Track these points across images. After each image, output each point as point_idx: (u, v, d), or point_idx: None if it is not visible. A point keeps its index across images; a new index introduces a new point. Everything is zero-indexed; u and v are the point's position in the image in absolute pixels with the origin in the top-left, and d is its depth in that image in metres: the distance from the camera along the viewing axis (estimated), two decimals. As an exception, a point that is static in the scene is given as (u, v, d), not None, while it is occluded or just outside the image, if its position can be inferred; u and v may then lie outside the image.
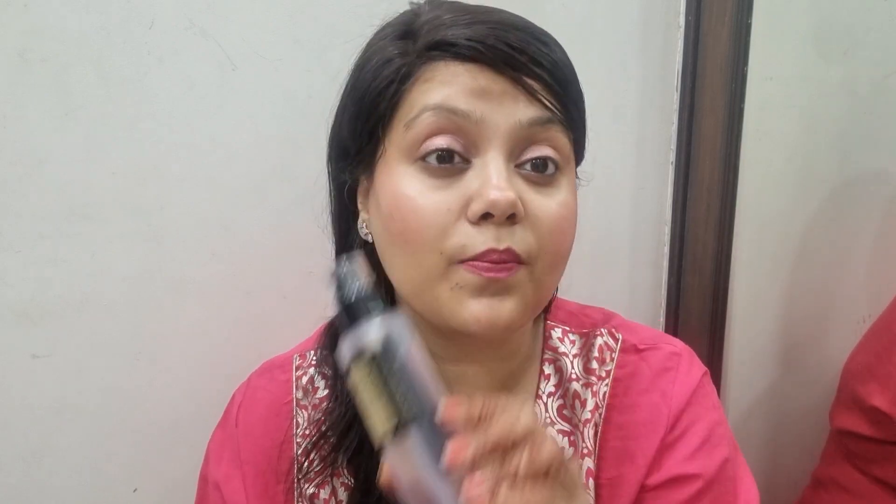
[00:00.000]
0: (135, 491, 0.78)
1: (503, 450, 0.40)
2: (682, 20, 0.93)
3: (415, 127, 0.50)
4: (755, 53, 0.93)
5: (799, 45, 1.00)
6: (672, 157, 0.97)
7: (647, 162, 0.97)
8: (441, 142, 0.50)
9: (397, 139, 0.52)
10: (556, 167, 0.52)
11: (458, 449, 0.39)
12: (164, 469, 0.79)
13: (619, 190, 0.97)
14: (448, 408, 0.41)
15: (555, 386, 0.61)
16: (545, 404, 0.61)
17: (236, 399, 0.65)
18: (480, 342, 0.56)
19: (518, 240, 0.50)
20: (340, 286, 0.44)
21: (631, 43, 0.92)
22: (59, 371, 0.73)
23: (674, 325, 1.02)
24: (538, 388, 0.61)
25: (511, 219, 0.49)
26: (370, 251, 0.57)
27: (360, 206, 0.58)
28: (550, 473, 0.40)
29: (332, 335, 0.63)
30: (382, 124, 0.52)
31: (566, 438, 0.60)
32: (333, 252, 0.63)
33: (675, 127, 0.96)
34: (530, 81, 0.50)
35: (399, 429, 0.41)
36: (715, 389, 0.65)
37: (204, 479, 0.65)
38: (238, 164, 0.76)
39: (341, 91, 0.57)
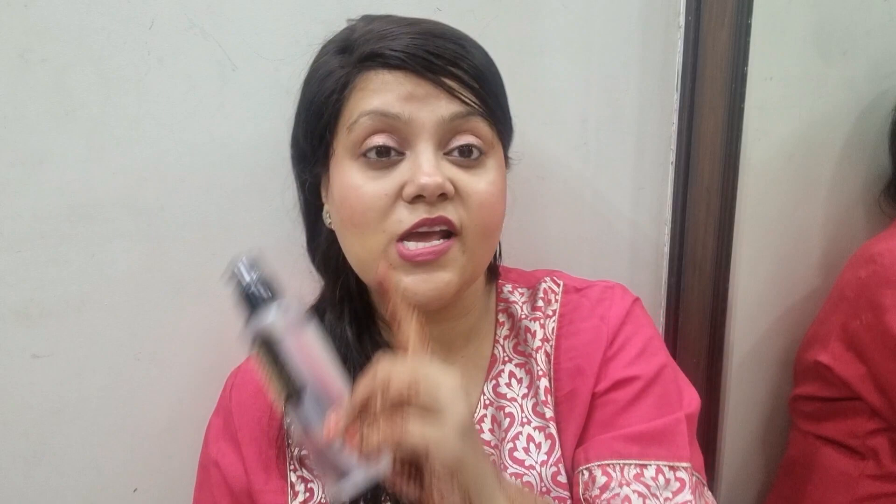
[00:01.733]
0: (135, 491, 0.78)
1: (369, 405, 0.49)
2: (682, 20, 0.93)
3: (355, 130, 0.59)
4: (755, 53, 0.93)
5: (799, 45, 1.00)
6: (672, 157, 0.97)
7: (647, 162, 0.97)
8: (378, 140, 0.59)
9: (342, 140, 0.61)
10: (481, 152, 0.61)
11: (332, 422, 0.49)
12: (164, 469, 0.79)
13: (619, 190, 0.97)
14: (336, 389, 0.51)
15: (509, 329, 0.72)
16: (503, 346, 0.71)
17: (229, 383, 0.72)
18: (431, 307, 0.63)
19: (450, 210, 0.59)
20: (237, 279, 0.52)
21: (631, 43, 0.92)
22: (59, 371, 0.73)
23: (674, 325, 1.02)
24: (495, 334, 0.72)
25: (442, 197, 0.58)
26: (335, 236, 0.65)
27: (323, 199, 0.67)
28: (406, 400, 0.48)
29: (313, 315, 0.70)
30: (329, 129, 0.61)
31: (522, 369, 0.70)
32: (304, 234, 0.72)
33: (675, 127, 0.96)
34: (449, 82, 0.59)
35: (289, 401, 0.50)
36: (647, 314, 0.73)
37: (203, 463, 0.70)
38: (238, 164, 0.76)
39: (296, 101, 0.66)
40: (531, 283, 0.75)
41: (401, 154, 0.60)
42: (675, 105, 0.96)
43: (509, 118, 0.67)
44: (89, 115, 0.69)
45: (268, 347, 0.50)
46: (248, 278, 0.53)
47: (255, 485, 0.65)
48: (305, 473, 0.65)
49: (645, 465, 0.62)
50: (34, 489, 0.74)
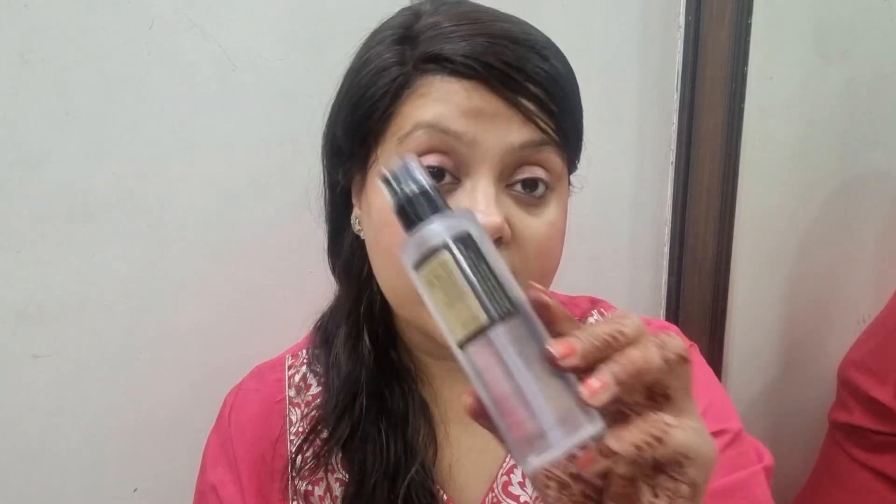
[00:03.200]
0: (135, 491, 0.78)
1: (613, 349, 0.34)
2: (682, 20, 0.93)
3: (407, 143, 0.50)
4: (755, 53, 0.93)
5: (799, 45, 1.00)
6: (672, 157, 0.97)
7: (647, 162, 0.97)
8: (432, 160, 0.49)
9: (389, 151, 0.52)
10: (547, 187, 0.52)
11: (568, 343, 0.34)
12: (164, 469, 0.79)
13: (619, 190, 0.97)
14: (551, 304, 0.37)
15: None
16: None
17: (228, 402, 0.66)
18: None
19: (506, 259, 0.50)
20: (398, 181, 0.39)
21: (631, 43, 0.92)
22: (60, 371, 0.73)
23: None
24: None
25: (497, 241, 0.49)
26: (362, 244, 0.57)
27: (354, 201, 0.58)
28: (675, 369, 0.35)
29: (323, 332, 0.64)
30: (375, 133, 0.52)
31: None
32: (326, 242, 0.63)
33: (675, 127, 0.96)
34: (526, 102, 0.50)
35: (486, 329, 0.35)
36: (705, 363, 0.66)
37: (201, 486, 0.65)
38: (238, 164, 0.76)
39: (338, 87, 0.57)
40: (576, 314, 0.66)
41: (456, 180, 0.50)
42: (675, 105, 0.96)
43: (582, 142, 0.58)
44: (89, 115, 0.69)
45: (470, 252, 0.36)
46: (415, 177, 0.40)
47: None
48: None
49: None
50: (35, 488, 0.74)
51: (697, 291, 1.01)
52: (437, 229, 0.37)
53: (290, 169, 0.77)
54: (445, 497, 0.60)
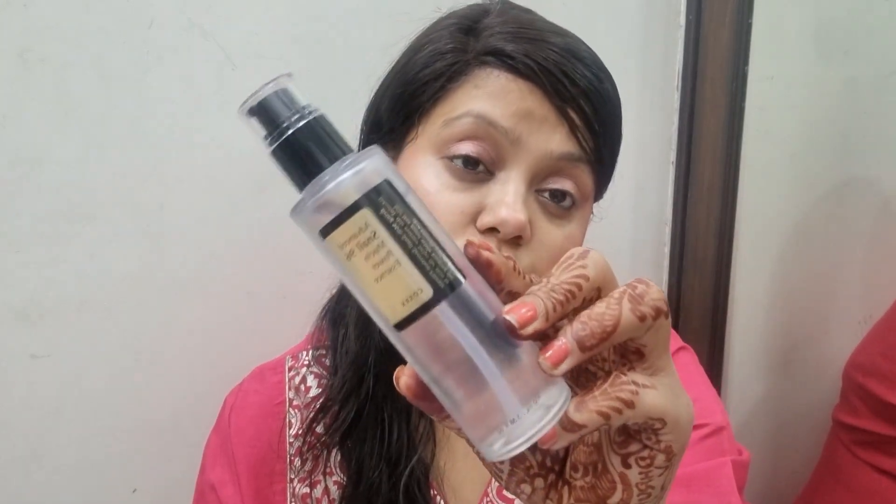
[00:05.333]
0: (134, 491, 0.78)
1: (578, 301, 0.30)
2: (682, 20, 0.93)
3: (453, 127, 0.51)
4: (755, 53, 0.93)
5: (799, 45, 1.00)
6: (672, 157, 0.97)
7: (647, 162, 0.97)
8: (472, 148, 0.50)
9: (432, 131, 0.52)
10: (573, 202, 0.53)
11: (528, 306, 0.28)
12: (164, 469, 0.79)
13: (619, 190, 0.96)
14: (494, 263, 0.31)
15: None
16: None
17: (228, 403, 0.66)
18: None
19: (521, 256, 0.50)
20: (276, 112, 0.29)
21: (631, 43, 0.92)
22: (59, 371, 0.73)
23: (674, 326, 1.02)
24: None
25: (516, 239, 0.50)
26: None
27: None
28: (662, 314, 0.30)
29: (332, 314, 0.63)
30: (420, 113, 0.53)
31: None
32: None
33: (675, 127, 0.96)
34: (573, 114, 0.51)
35: (432, 304, 0.28)
36: (699, 366, 0.66)
37: (201, 486, 0.65)
38: (238, 164, 0.76)
39: (392, 62, 0.58)
40: None
41: (489, 173, 0.51)
42: (676, 105, 0.96)
43: (614, 170, 0.59)
44: (89, 115, 0.69)
45: (397, 207, 0.28)
46: (309, 106, 0.30)
47: None
48: None
49: None
50: (34, 489, 0.74)
51: (697, 291, 1.01)
52: (349, 179, 0.28)
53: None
54: (442, 501, 0.60)
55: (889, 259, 1.14)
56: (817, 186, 1.08)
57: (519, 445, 0.29)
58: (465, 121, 0.51)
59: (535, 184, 0.52)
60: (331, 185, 0.28)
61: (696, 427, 0.58)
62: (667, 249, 1.00)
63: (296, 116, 0.29)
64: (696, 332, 1.01)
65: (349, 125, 0.77)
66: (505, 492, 0.59)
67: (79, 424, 0.74)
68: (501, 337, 0.29)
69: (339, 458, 0.59)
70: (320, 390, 0.62)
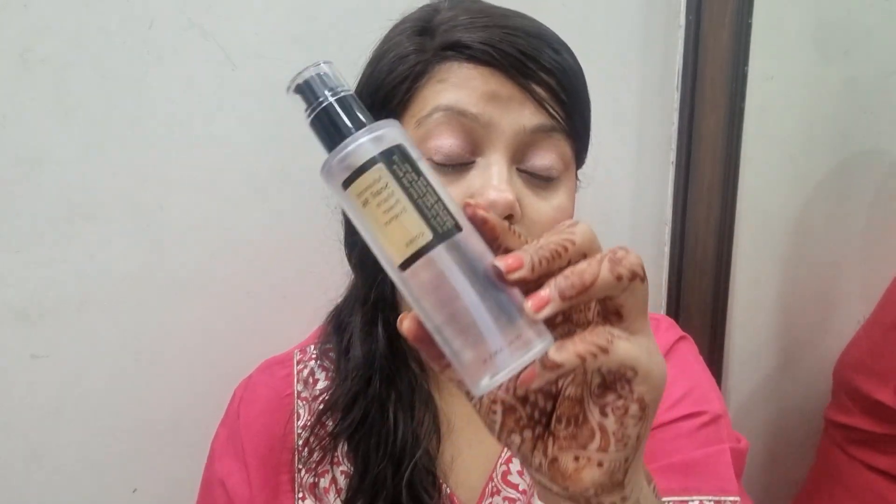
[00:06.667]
0: (134, 491, 0.78)
1: (564, 261, 0.33)
2: (682, 20, 0.93)
3: (425, 125, 0.52)
4: (755, 53, 0.93)
5: (799, 45, 1.00)
6: (672, 157, 0.97)
7: (647, 162, 0.97)
8: (448, 142, 0.52)
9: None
10: (557, 173, 0.54)
11: (515, 256, 0.32)
12: (164, 469, 0.79)
13: (619, 190, 0.97)
14: (488, 219, 0.35)
15: None
16: None
17: (237, 395, 0.67)
18: None
19: None
20: (313, 90, 0.37)
21: (631, 43, 0.92)
22: (59, 371, 0.73)
23: (674, 325, 1.02)
24: None
25: (508, 219, 0.50)
26: None
27: None
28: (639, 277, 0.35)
29: (336, 320, 0.65)
30: (396, 117, 0.54)
31: None
32: (343, 230, 0.64)
33: (675, 127, 0.96)
34: (538, 89, 0.52)
35: (430, 247, 0.33)
36: (698, 355, 0.67)
37: (208, 479, 0.66)
38: (238, 164, 0.76)
39: (358, 78, 0.59)
40: None
41: (470, 161, 0.52)
42: (676, 105, 0.96)
43: (589, 137, 0.61)
44: (89, 115, 0.69)
45: (407, 165, 0.33)
46: (341, 86, 0.37)
47: None
48: (313, 503, 0.61)
49: (686, 502, 0.56)
50: (34, 489, 0.74)
51: (697, 291, 1.01)
52: (368, 141, 0.34)
53: (290, 169, 0.77)
54: (448, 490, 0.61)
55: (888, 259, 1.14)
56: (816, 186, 1.08)
57: (503, 376, 0.32)
58: (435, 117, 0.52)
59: (517, 162, 0.53)
60: (353, 146, 0.34)
61: (694, 415, 0.60)
62: (667, 249, 1.00)
63: (329, 93, 0.36)
64: (695, 331, 1.01)
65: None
66: (509, 477, 0.61)
67: (79, 424, 0.74)
68: (491, 283, 0.33)
69: (346, 448, 0.61)
70: (328, 383, 0.63)
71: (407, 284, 0.34)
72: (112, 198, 0.72)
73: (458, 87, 0.52)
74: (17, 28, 0.66)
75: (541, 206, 0.54)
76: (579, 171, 0.61)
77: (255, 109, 0.75)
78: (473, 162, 0.52)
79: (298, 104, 0.38)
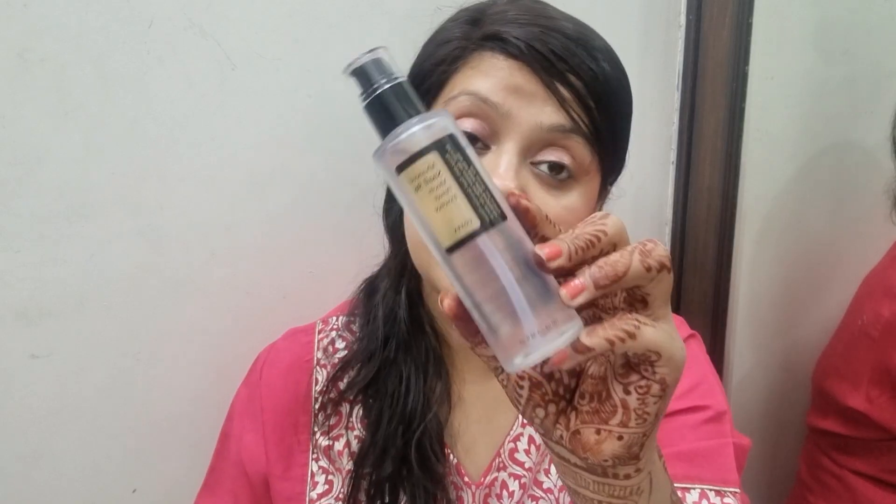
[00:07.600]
0: (134, 491, 0.78)
1: (597, 250, 0.35)
2: (682, 19, 0.93)
3: (451, 106, 0.55)
4: (756, 53, 0.93)
5: (799, 45, 1.00)
6: (672, 156, 0.97)
7: (647, 162, 0.97)
8: (468, 124, 0.54)
9: None
10: (570, 174, 0.56)
11: (555, 245, 0.34)
12: (164, 469, 0.79)
13: (619, 190, 0.96)
14: (532, 211, 0.37)
15: None
16: None
17: (261, 357, 0.71)
18: None
19: None
20: (369, 75, 0.37)
21: (631, 42, 0.92)
22: (59, 371, 0.72)
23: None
24: None
25: None
26: None
27: None
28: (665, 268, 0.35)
29: (370, 285, 0.69)
30: (429, 96, 0.58)
31: None
32: (384, 196, 0.67)
33: (675, 127, 0.96)
34: (563, 90, 0.54)
35: (478, 233, 0.34)
36: (705, 353, 0.69)
37: (225, 435, 0.70)
38: (238, 164, 0.76)
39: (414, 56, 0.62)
40: None
41: (486, 147, 0.55)
42: (676, 105, 0.96)
43: (622, 147, 0.61)
44: (89, 114, 0.69)
45: (458, 154, 0.35)
46: (397, 72, 0.38)
47: (274, 470, 0.65)
48: (327, 465, 0.64)
49: (688, 489, 0.57)
50: (34, 489, 0.74)
51: (697, 291, 1.01)
52: (422, 129, 0.35)
53: (290, 169, 0.77)
54: (455, 459, 0.63)
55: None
56: (817, 186, 1.08)
57: (536, 357, 0.34)
58: (460, 99, 0.55)
59: (530, 156, 0.55)
60: (406, 133, 0.35)
61: (699, 408, 0.61)
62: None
63: (384, 80, 0.37)
64: (695, 330, 1.01)
65: (351, 124, 0.77)
66: (516, 455, 0.63)
67: (78, 424, 0.74)
68: (531, 269, 0.35)
69: (360, 413, 0.64)
70: (346, 353, 0.67)
71: (452, 266, 0.36)
72: (112, 198, 0.72)
73: (487, 76, 0.54)
74: (16, 28, 0.66)
75: (548, 201, 0.55)
76: (614, 185, 0.64)
77: (254, 109, 0.75)
78: (489, 148, 0.55)
79: (349, 87, 0.38)
